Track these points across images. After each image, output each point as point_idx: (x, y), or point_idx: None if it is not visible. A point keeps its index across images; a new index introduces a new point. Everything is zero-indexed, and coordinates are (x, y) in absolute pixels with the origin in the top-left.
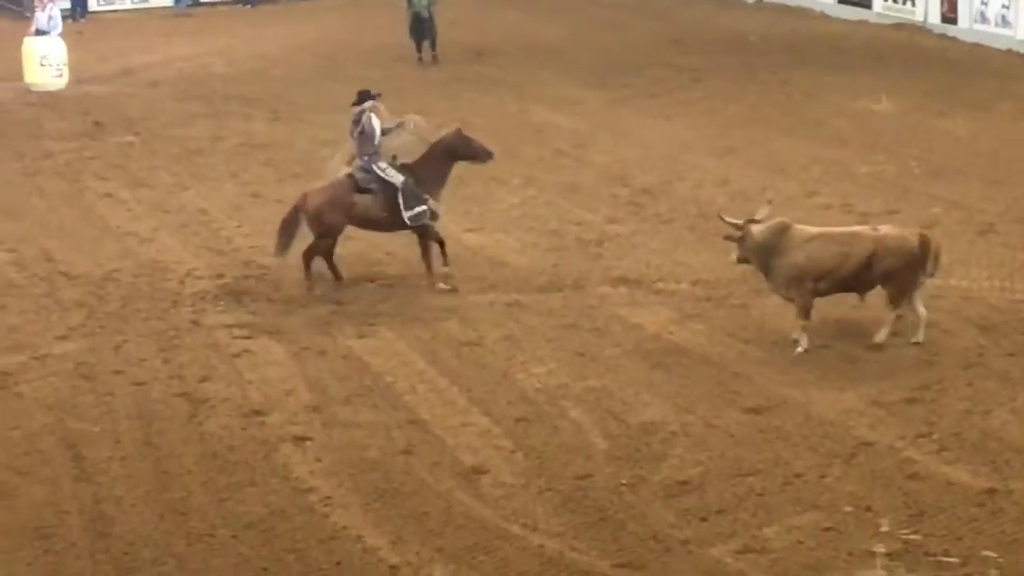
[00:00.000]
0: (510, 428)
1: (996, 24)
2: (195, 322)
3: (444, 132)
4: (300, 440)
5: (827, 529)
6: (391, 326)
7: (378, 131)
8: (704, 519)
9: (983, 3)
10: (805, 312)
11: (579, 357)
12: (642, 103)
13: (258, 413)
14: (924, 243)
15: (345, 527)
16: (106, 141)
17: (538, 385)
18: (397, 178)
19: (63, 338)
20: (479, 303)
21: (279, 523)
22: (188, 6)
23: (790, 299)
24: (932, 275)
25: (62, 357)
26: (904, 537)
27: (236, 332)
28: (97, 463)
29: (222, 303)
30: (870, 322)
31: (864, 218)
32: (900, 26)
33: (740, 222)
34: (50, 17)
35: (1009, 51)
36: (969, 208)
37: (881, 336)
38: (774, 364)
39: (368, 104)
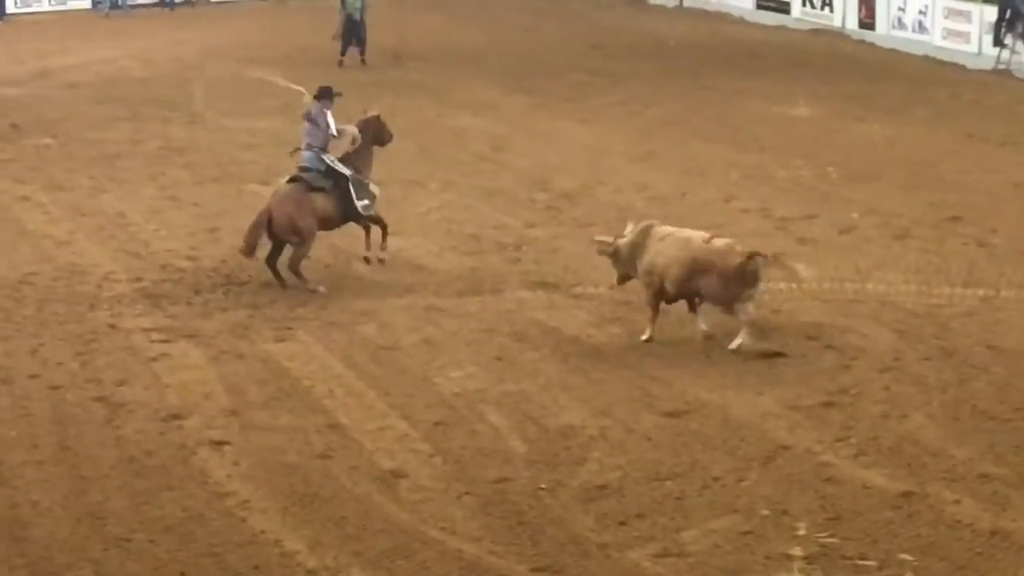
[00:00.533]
0: (428, 432)
1: (913, 30)
2: (112, 326)
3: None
4: (218, 444)
5: (745, 533)
6: (309, 330)
7: (332, 127)
8: (623, 523)
9: (900, 9)
10: (650, 306)
11: (497, 361)
12: (561, 107)
13: (176, 417)
14: (743, 266)
15: (263, 531)
16: (22, 143)
17: (456, 389)
18: (346, 170)
19: None
20: (397, 307)
21: (197, 527)
22: (110, 9)
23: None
24: (751, 296)
25: None
26: (821, 541)
27: (154, 336)
28: (13, 467)
29: (140, 306)
30: (788, 327)
31: (782, 222)
32: (818, 32)
33: (611, 239)
34: None
35: (925, 56)
36: (886, 213)
37: (736, 342)
38: (692, 368)
39: (320, 102)
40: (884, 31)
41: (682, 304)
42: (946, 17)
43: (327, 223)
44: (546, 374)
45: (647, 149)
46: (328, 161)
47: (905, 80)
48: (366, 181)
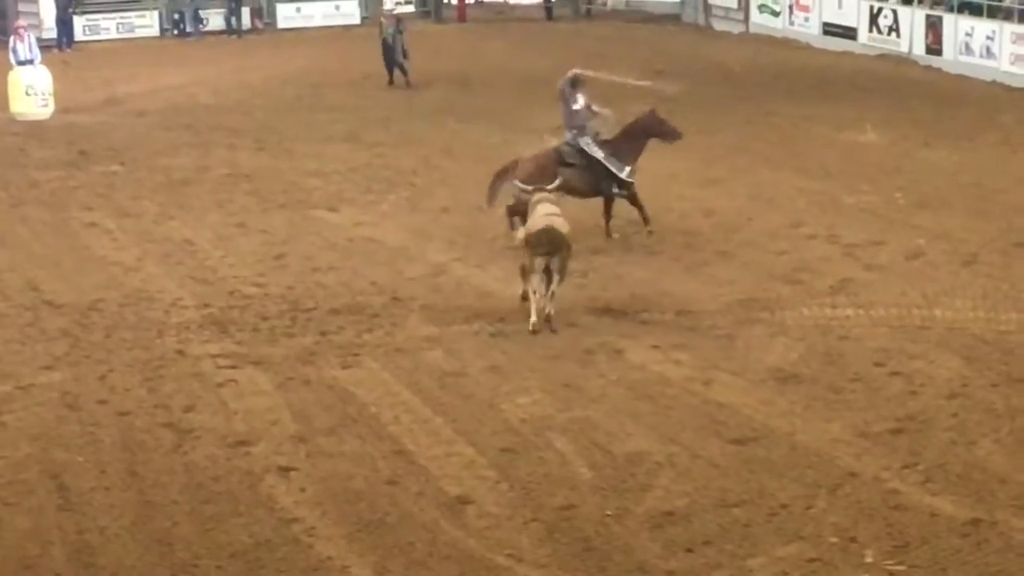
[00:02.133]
0: (495, 458)
1: (980, 55)
2: (180, 352)
3: (639, 114)
4: (285, 470)
5: (812, 560)
6: (375, 356)
7: (582, 108)
8: (690, 550)
9: (968, 35)
10: (522, 271)
11: (564, 387)
12: None
13: (243, 443)
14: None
15: (330, 557)
16: (91, 170)
17: (523, 415)
18: (598, 153)
19: (48, 368)
20: (464, 333)
21: (264, 553)
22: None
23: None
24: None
25: (47, 387)
26: (889, 568)
27: (221, 362)
28: (81, 493)
29: (207, 333)
30: (856, 353)
31: (850, 248)
32: (885, 57)
33: (530, 188)
34: (30, 46)
35: (993, 82)
36: (953, 239)
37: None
38: (759, 395)
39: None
40: (951, 56)
41: (752, 332)
42: (1014, 43)
43: (571, 192)
44: (612, 400)
45: (713, 175)
46: (584, 145)
47: (973, 106)
48: (622, 165)
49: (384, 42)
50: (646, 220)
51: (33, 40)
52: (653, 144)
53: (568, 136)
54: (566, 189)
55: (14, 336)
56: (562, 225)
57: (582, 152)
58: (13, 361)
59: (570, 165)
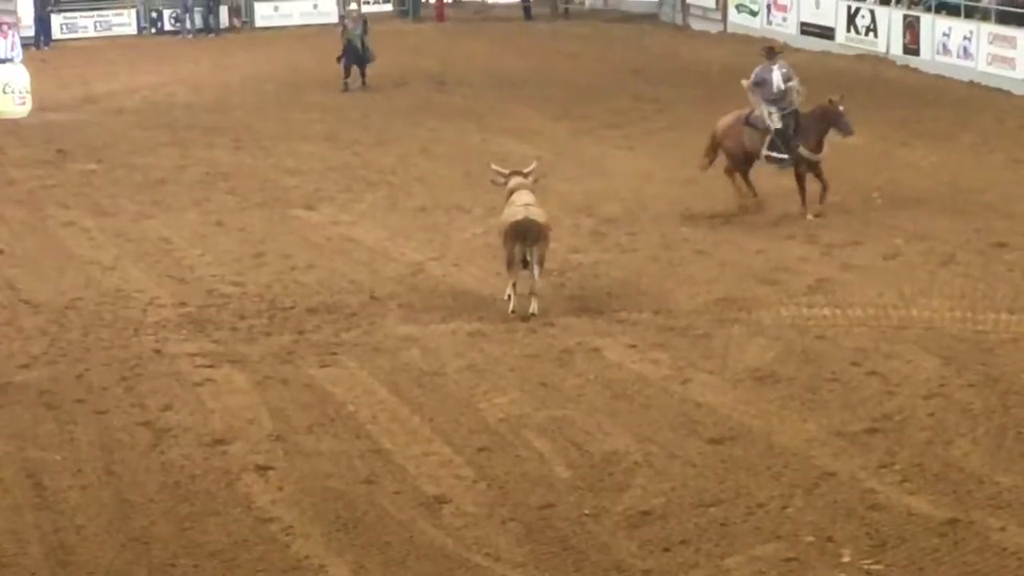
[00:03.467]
0: (472, 457)
1: (958, 55)
2: (157, 351)
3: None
4: (262, 469)
5: (789, 559)
6: (353, 355)
7: (776, 82)
8: (667, 549)
9: (945, 35)
10: (506, 264)
11: (541, 387)
12: (605, 133)
13: (220, 442)
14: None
15: (307, 556)
16: (68, 169)
17: (500, 415)
18: (776, 124)
19: (25, 366)
20: (441, 332)
21: (241, 553)
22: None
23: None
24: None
25: (23, 386)
26: (866, 568)
27: (199, 361)
28: (58, 492)
29: (184, 332)
30: (833, 353)
31: (828, 248)
32: (863, 57)
33: (507, 171)
34: (13, 44)
35: (971, 82)
36: (931, 239)
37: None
38: (736, 394)
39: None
40: (929, 57)
41: (730, 331)
42: (991, 43)
43: (750, 157)
44: (590, 400)
45: (690, 175)
46: (764, 114)
47: (950, 106)
48: (795, 144)
49: (349, 43)
50: (821, 197)
51: (17, 38)
52: (629, 142)
53: (763, 106)
54: (748, 153)
55: None
56: (539, 215)
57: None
58: None
59: (754, 128)
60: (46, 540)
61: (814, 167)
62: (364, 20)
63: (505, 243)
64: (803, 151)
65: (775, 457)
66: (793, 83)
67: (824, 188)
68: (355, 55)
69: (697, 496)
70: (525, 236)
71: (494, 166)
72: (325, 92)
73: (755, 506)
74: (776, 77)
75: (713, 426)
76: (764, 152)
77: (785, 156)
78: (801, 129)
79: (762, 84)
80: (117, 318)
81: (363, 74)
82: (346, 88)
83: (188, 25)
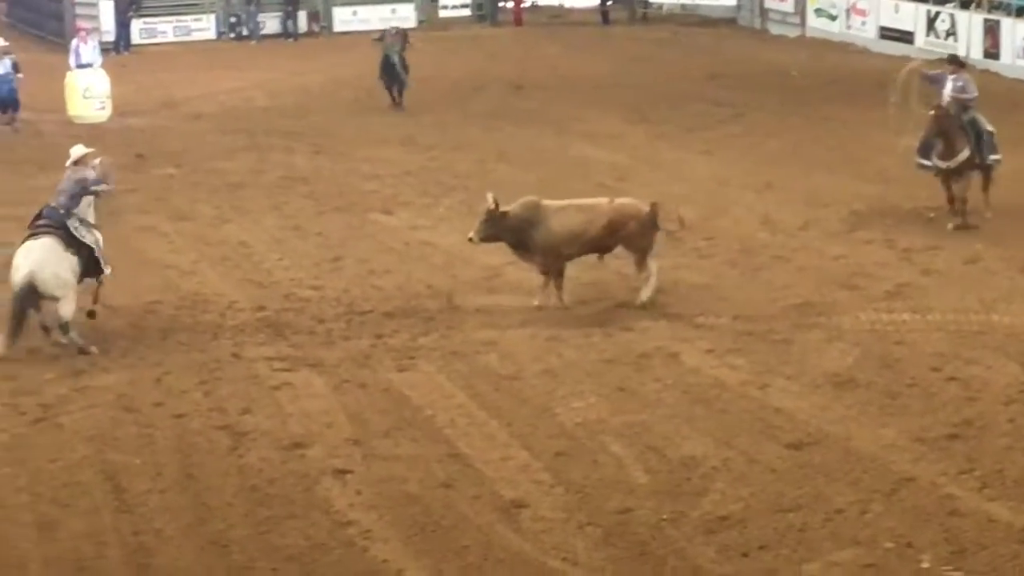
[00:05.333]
0: (550, 462)
1: None
2: (236, 355)
3: None
4: (340, 473)
5: (868, 566)
6: (431, 359)
7: (946, 92)
8: (745, 555)
9: None
10: (558, 273)
11: (619, 391)
12: (682, 138)
13: (298, 446)
14: (654, 209)
15: (385, 560)
16: (148, 174)
17: (578, 419)
18: (986, 128)
19: (104, 370)
20: (519, 337)
21: (319, 556)
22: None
23: (544, 266)
24: (669, 232)
25: (103, 389)
26: (946, 574)
27: (277, 365)
28: (137, 495)
29: (263, 336)
30: (912, 358)
31: (906, 253)
32: (943, 61)
33: (493, 206)
34: (93, 49)
35: None
36: (1010, 245)
37: (645, 295)
38: (815, 399)
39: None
40: (1009, 60)
41: (808, 336)
42: None
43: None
44: (668, 404)
45: (768, 179)
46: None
47: None
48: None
49: (385, 59)
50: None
51: (96, 43)
52: (707, 147)
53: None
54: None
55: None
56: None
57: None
58: (69, 363)
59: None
60: (125, 543)
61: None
62: (404, 35)
63: (639, 235)
64: (938, 161)
65: (854, 462)
66: (966, 96)
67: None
68: (389, 74)
69: (775, 501)
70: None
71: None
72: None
73: (834, 512)
74: (948, 87)
75: (792, 431)
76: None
77: (997, 156)
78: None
79: (935, 83)
80: (196, 322)
81: (401, 94)
82: (394, 103)
83: (247, 31)
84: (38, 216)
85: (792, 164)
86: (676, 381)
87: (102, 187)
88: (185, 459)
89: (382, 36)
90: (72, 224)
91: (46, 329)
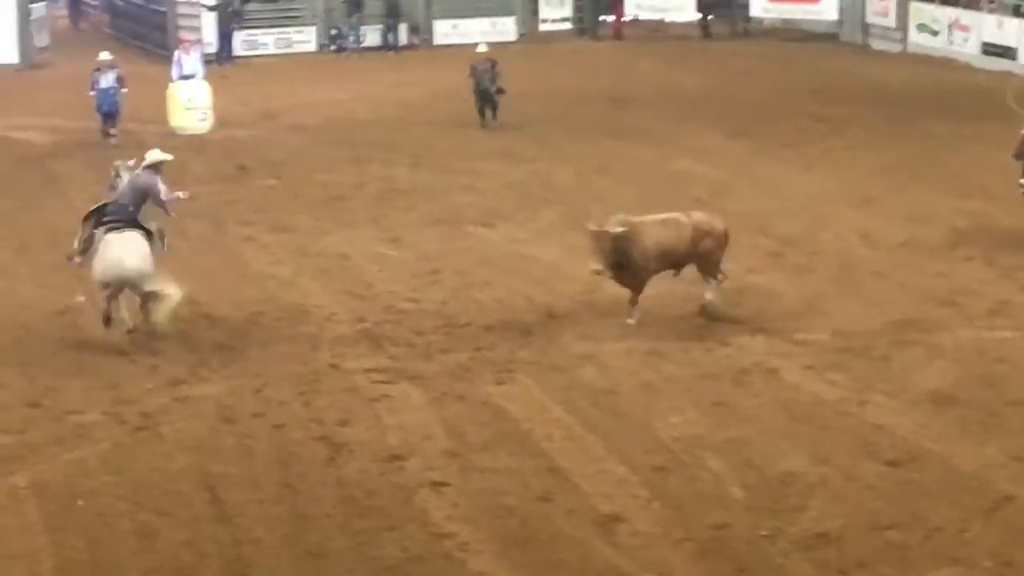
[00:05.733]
0: (647, 477)
1: None
2: (335, 366)
3: None
4: (438, 485)
5: None
6: (529, 373)
7: None
8: (843, 572)
9: None
10: (642, 289)
11: (717, 407)
12: (782, 153)
13: (396, 458)
14: (726, 228)
15: (482, 573)
16: (249, 185)
17: (676, 434)
18: None
19: (204, 380)
20: (617, 351)
21: (416, 568)
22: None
23: (637, 284)
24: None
25: (203, 399)
26: None
27: (375, 377)
28: (236, 505)
29: (361, 347)
30: (1013, 377)
31: (1008, 271)
32: None
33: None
34: (196, 61)
35: None
36: None
37: (711, 296)
38: (914, 417)
39: None
40: None
41: (908, 353)
42: None
43: None
44: (766, 420)
45: (869, 195)
46: None
47: None
48: None
49: (477, 85)
50: None
51: (199, 55)
52: (807, 162)
53: None
54: None
55: (171, 348)
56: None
57: None
58: (170, 373)
59: None
60: (224, 553)
61: None
62: (493, 63)
63: (715, 251)
64: None
65: (953, 481)
66: None
67: None
68: (482, 98)
69: (874, 519)
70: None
71: (592, 227)
72: (502, 109)
73: (932, 530)
74: None
75: (890, 448)
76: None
77: None
78: None
79: None
80: (295, 333)
81: (494, 114)
82: (483, 125)
83: (350, 43)
84: (98, 211)
85: (893, 180)
86: (774, 397)
87: (170, 201)
88: (284, 470)
89: (472, 72)
90: (142, 221)
91: (108, 321)
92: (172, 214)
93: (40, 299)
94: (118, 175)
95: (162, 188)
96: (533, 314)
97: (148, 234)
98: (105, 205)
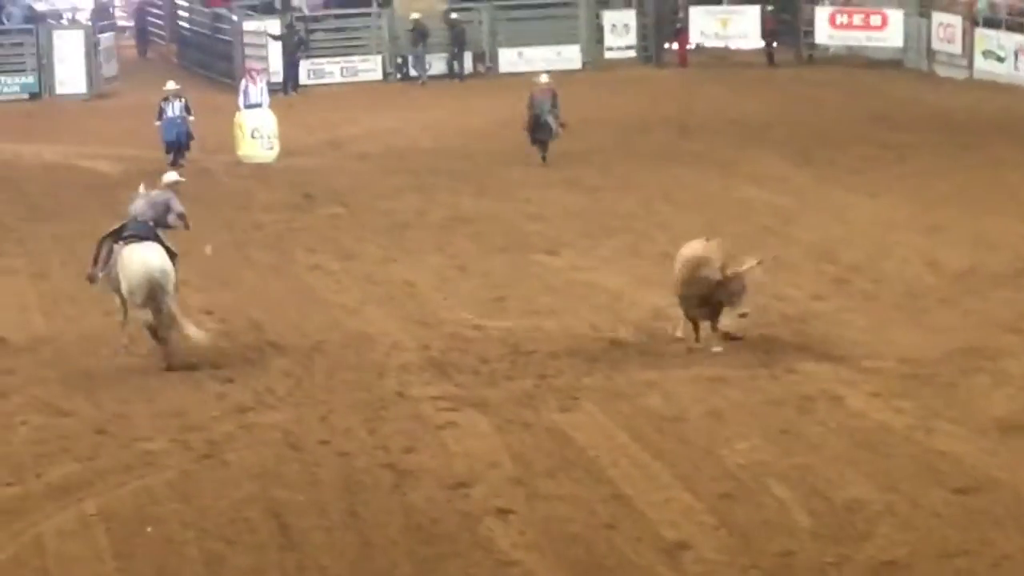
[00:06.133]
0: (713, 504)
1: None
2: (400, 393)
3: None
4: (503, 513)
5: None
6: (594, 400)
7: None
8: None
9: None
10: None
11: (783, 434)
12: (848, 180)
13: (462, 485)
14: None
15: None
16: (315, 213)
17: (741, 461)
18: None
19: (270, 407)
20: (682, 378)
21: None
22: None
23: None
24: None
25: (269, 426)
26: None
27: (441, 404)
28: (302, 532)
29: (427, 375)
30: None
31: None
32: None
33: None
34: (262, 90)
35: None
36: None
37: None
38: (982, 444)
39: None
40: None
41: (975, 380)
42: None
43: None
44: (832, 447)
45: (935, 222)
46: None
47: None
48: None
49: (536, 118)
50: None
51: (265, 84)
52: (872, 189)
53: None
54: None
55: (237, 376)
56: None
57: None
58: (236, 400)
59: None
60: None
61: None
62: (553, 93)
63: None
64: None
65: (1022, 508)
66: None
67: None
68: (537, 128)
69: (941, 546)
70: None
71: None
72: (566, 137)
73: (1001, 558)
74: None
75: (958, 476)
76: None
77: None
78: None
79: None
80: (361, 360)
81: (546, 147)
82: (544, 161)
83: (414, 72)
84: (119, 230)
85: (959, 206)
86: (840, 424)
87: (180, 221)
88: (350, 497)
89: (530, 103)
90: (162, 237)
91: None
92: (189, 227)
93: (106, 326)
94: (133, 201)
95: (177, 205)
96: (598, 341)
97: (170, 253)
98: (123, 226)
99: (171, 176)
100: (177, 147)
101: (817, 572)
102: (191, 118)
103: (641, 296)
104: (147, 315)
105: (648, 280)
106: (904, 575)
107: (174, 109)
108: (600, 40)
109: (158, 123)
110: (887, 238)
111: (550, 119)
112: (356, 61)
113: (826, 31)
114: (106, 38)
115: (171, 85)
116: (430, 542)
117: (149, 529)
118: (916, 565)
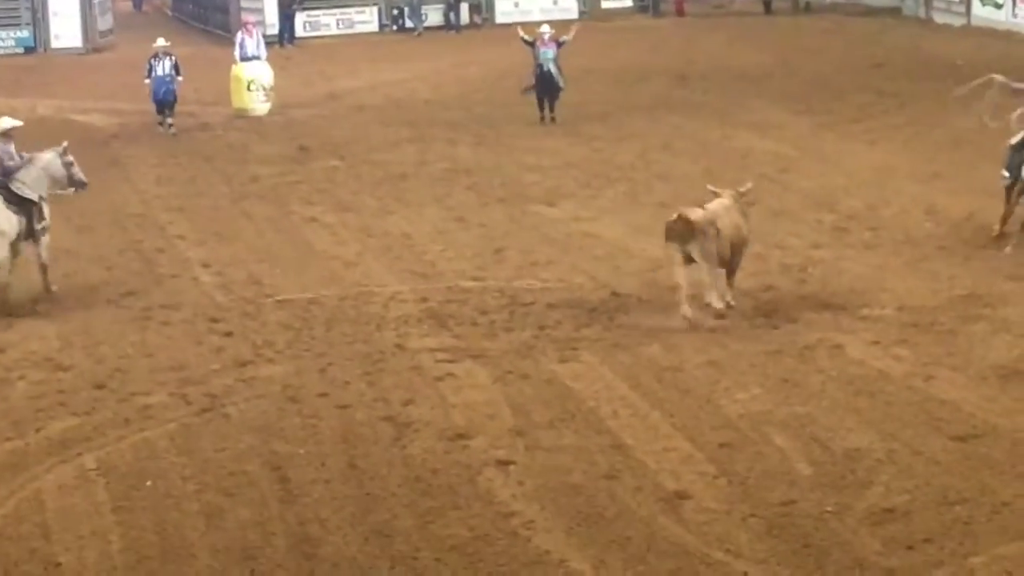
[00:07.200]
0: (713, 453)
1: None
2: (399, 346)
3: None
4: (503, 464)
5: None
6: (594, 351)
7: None
8: (910, 547)
9: None
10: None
11: (782, 383)
12: (847, 128)
13: (461, 437)
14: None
15: (548, 551)
16: (312, 166)
17: (741, 411)
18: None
19: (269, 361)
20: (681, 328)
21: (482, 547)
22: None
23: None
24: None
25: (268, 380)
26: None
27: (440, 356)
28: (302, 485)
29: (426, 327)
30: None
31: None
32: None
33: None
34: (258, 42)
35: None
36: None
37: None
38: (981, 391)
39: None
40: None
41: (974, 328)
42: None
43: None
44: (832, 396)
45: (934, 170)
46: None
47: None
48: None
49: (539, 68)
50: None
51: (261, 36)
52: (871, 137)
53: None
54: None
55: (236, 329)
56: (694, 214)
57: None
58: (235, 354)
59: None
60: (291, 532)
61: None
62: (558, 45)
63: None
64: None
65: (1021, 455)
66: None
67: None
68: (546, 84)
69: (941, 494)
70: (678, 236)
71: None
72: (566, 88)
73: (1000, 504)
74: None
75: (957, 423)
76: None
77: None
78: None
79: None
80: (359, 313)
81: (552, 107)
82: (543, 119)
83: (410, 23)
84: None
85: (958, 154)
86: (840, 373)
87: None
88: (349, 449)
89: (532, 42)
90: (15, 185)
91: None
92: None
93: (105, 281)
94: None
95: (12, 152)
96: (597, 292)
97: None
98: None
99: (5, 122)
100: (163, 107)
101: (817, 521)
102: (179, 78)
103: (640, 247)
104: None
105: (647, 230)
106: (904, 523)
107: (164, 67)
108: None
109: (147, 80)
110: (886, 186)
111: (553, 68)
112: (352, 13)
113: None
114: None
115: (160, 42)
116: (430, 494)
117: (149, 483)
118: (916, 513)
